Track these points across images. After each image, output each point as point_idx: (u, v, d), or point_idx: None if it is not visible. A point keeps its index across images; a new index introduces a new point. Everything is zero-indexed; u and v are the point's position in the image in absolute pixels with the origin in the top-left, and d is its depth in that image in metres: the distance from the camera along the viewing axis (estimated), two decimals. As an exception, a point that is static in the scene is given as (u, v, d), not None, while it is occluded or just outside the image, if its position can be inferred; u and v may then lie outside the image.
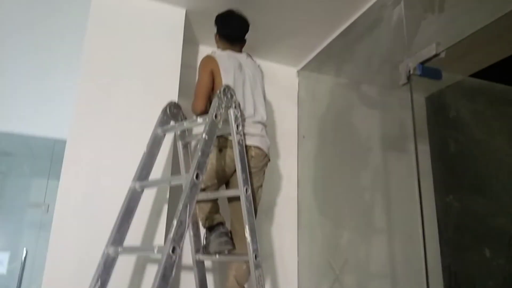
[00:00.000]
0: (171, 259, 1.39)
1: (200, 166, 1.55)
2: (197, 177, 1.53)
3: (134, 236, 1.76)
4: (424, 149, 2.73)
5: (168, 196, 1.91)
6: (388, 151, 2.76)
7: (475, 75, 2.23)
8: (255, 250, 1.71)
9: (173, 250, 1.40)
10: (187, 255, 1.99)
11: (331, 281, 2.33)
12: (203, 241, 1.90)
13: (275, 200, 2.48)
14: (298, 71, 2.76)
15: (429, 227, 2.17)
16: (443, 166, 1.92)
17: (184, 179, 1.55)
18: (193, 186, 1.51)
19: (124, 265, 1.74)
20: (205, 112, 1.83)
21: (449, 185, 1.83)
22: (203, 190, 1.83)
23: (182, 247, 1.42)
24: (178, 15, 2.20)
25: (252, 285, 1.74)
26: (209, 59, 1.95)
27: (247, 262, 1.74)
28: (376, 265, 2.44)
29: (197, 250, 1.89)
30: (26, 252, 3.65)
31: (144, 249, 1.75)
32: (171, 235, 1.42)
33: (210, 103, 1.75)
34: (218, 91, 1.72)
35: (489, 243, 1.79)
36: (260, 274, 1.73)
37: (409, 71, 1.95)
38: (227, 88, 1.75)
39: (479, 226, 1.82)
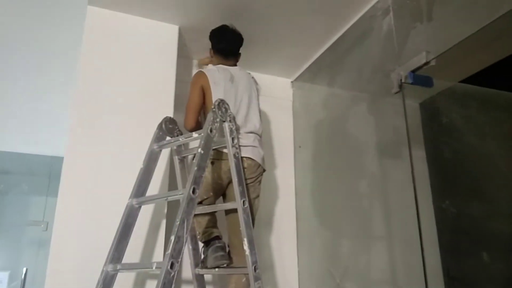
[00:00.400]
0: (170, 275, 1.39)
1: (197, 181, 1.56)
2: (193, 191, 1.54)
3: (133, 252, 1.76)
4: (420, 154, 2.75)
5: (166, 211, 1.92)
6: (384, 158, 2.77)
7: (466, 81, 2.26)
8: (254, 262, 1.72)
9: (172, 265, 1.41)
10: (187, 269, 1.99)
11: (332, 290, 2.33)
12: (201, 254, 1.90)
13: (274, 210, 2.49)
14: (292, 82, 2.79)
15: (428, 232, 2.19)
16: (439, 172, 1.94)
17: (181, 195, 1.56)
18: (190, 201, 1.52)
19: (124, 281, 1.74)
20: (195, 127, 1.86)
21: (445, 190, 1.85)
22: (200, 203, 1.84)
23: (180, 262, 1.43)
24: (171, 31, 2.24)
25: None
26: (199, 74, 1.99)
27: (246, 274, 1.74)
28: (376, 272, 2.44)
29: (196, 264, 1.90)
30: (26, 270, 3.64)
31: (142, 266, 1.76)
32: (169, 251, 1.43)
33: (205, 118, 1.77)
34: (212, 106, 1.74)
35: (486, 247, 1.80)
36: (260, 286, 1.73)
37: (401, 79, 1.98)
38: (222, 102, 1.77)
39: (476, 230, 1.84)
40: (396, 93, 1.99)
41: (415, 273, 1.87)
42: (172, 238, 1.44)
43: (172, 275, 1.40)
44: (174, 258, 1.42)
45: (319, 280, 2.40)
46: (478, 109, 2.11)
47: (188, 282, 2.04)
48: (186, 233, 1.49)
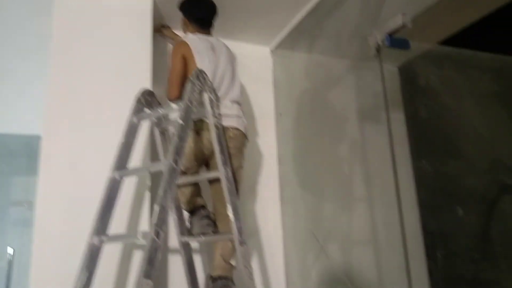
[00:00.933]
0: (155, 244, 1.42)
1: (178, 152, 1.57)
2: (175, 162, 1.55)
3: (118, 225, 1.77)
4: (399, 118, 2.80)
5: (149, 183, 1.93)
6: (365, 123, 2.82)
7: (443, 42, 2.28)
8: (239, 228, 1.76)
9: (157, 234, 1.43)
10: (173, 238, 2.03)
11: (316, 252, 2.41)
12: (187, 224, 1.93)
13: (257, 178, 2.52)
14: (271, 51, 2.77)
15: (407, 192, 2.26)
16: (417, 133, 1.99)
17: (163, 165, 1.57)
18: (172, 171, 1.53)
19: (111, 254, 1.76)
20: (180, 98, 1.84)
21: (423, 150, 1.91)
22: (183, 173, 1.85)
23: (166, 231, 1.46)
24: (145, 2, 2.17)
25: (239, 262, 1.80)
26: (180, 44, 1.95)
27: (232, 240, 1.78)
28: (357, 233, 2.53)
29: (182, 233, 1.93)
30: (14, 250, 3.64)
31: (128, 236, 1.78)
32: (154, 220, 1.45)
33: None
34: (190, 76, 1.73)
35: (461, 202, 1.88)
36: (246, 251, 1.78)
37: (378, 42, 1.99)
38: (200, 72, 1.76)
39: (452, 187, 1.91)
40: (374, 56, 2.00)
41: (394, 232, 1.95)
42: (156, 207, 1.46)
43: (158, 243, 1.42)
44: (159, 227, 1.44)
45: (303, 243, 2.47)
46: (455, 70, 2.14)
47: (175, 251, 2.08)
48: (170, 202, 1.51)
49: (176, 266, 2.08)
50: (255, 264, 2.36)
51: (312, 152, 2.66)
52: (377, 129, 2.53)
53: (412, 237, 2.06)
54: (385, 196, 2.20)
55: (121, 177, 1.71)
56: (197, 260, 2.14)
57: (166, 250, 2.15)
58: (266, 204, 2.51)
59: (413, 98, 2.23)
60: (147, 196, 1.92)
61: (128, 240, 1.80)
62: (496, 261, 1.91)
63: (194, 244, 2.11)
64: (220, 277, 1.84)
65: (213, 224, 1.87)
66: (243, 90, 2.28)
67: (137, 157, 1.90)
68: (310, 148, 2.66)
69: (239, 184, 1.91)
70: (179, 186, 1.90)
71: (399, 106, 2.73)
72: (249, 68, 2.56)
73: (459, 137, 1.96)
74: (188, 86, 1.70)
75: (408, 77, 2.60)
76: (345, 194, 2.64)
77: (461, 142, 1.96)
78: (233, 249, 1.83)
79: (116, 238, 1.69)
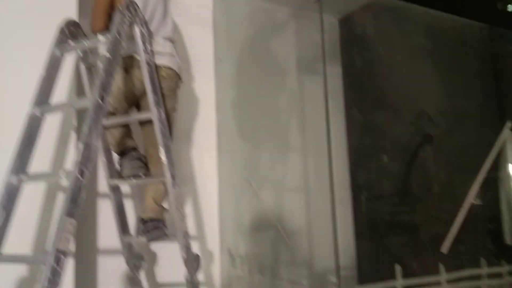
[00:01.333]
0: (80, 183, 1.35)
1: (105, 87, 1.47)
2: (101, 98, 1.45)
3: (41, 165, 1.67)
4: (337, 70, 2.85)
5: (75, 122, 1.81)
6: (303, 73, 2.84)
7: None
8: (172, 171, 1.73)
9: (81, 173, 1.36)
10: (103, 183, 1.95)
11: (250, 198, 2.46)
12: (117, 166, 1.86)
13: (193, 124, 2.47)
14: (212, -9, 2.63)
15: (339, 142, 2.34)
16: (351, 83, 2.03)
17: (88, 101, 1.47)
18: (98, 108, 1.44)
19: (33, 196, 1.67)
20: (106, 30, 1.70)
21: (355, 99, 1.96)
22: (112, 114, 1.76)
23: (91, 172, 1.39)
24: None
25: (171, 204, 1.78)
26: None
27: (164, 182, 1.75)
28: (291, 181, 2.61)
29: (111, 176, 1.86)
30: None
31: (50, 175, 1.68)
32: (78, 158, 1.37)
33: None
34: (119, 6, 1.59)
35: (386, 150, 1.99)
36: (178, 193, 1.76)
37: (318, -12, 1.96)
38: (130, 2, 1.62)
39: (379, 136, 2.01)
40: (315, 1, 1.97)
41: (324, 179, 2.03)
42: (81, 145, 1.38)
43: (82, 183, 1.36)
44: (84, 165, 1.37)
45: (238, 189, 2.51)
46: (391, 23, 2.19)
47: (104, 195, 2.01)
48: (96, 141, 1.43)
49: (105, 211, 2.02)
50: (189, 210, 2.36)
51: (251, 101, 2.64)
52: (315, 80, 2.56)
53: (340, 184, 2.16)
54: (318, 145, 2.27)
55: (43, 114, 1.58)
56: (128, 205, 2.09)
57: (95, 194, 2.07)
58: (202, 151, 2.48)
59: (350, 49, 2.26)
60: (73, 136, 1.81)
61: (50, 179, 1.70)
62: (413, 206, 2.08)
63: (124, 188, 2.05)
64: (152, 219, 1.82)
65: (145, 166, 1.81)
66: (178, 31, 2.16)
67: (61, 94, 1.76)
68: (249, 96, 2.64)
69: (172, 127, 1.86)
70: (108, 128, 1.81)
71: (337, 58, 2.76)
72: (187, 7, 2.42)
73: (389, 88, 2.04)
74: (117, 17, 1.57)
75: (348, 29, 2.62)
76: (281, 143, 2.69)
77: (391, 93, 2.05)
78: (165, 191, 1.80)
79: (37, 177, 1.59)
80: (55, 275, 1.25)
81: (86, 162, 1.38)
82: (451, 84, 2.25)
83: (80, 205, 1.34)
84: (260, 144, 2.60)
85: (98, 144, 1.48)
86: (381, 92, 2.05)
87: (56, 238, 1.28)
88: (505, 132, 2.44)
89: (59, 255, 1.27)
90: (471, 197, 2.29)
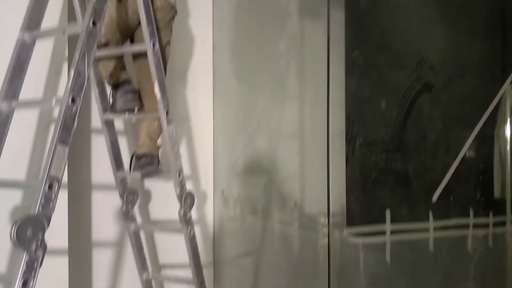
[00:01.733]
0: (71, 110, 1.33)
1: (97, 12, 1.41)
2: (93, 24, 1.39)
3: (33, 93, 1.63)
4: (339, 15, 2.75)
5: (66, 52, 1.75)
6: (305, 18, 2.74)
7: None
8: (166, 106, 1.71)
9: (73, 100, 1.33)
10: (96, 118, 1.93)
11: (244, 141, 2.46)
12: (109, 100, 1.83)
13: (189, 64, 2.41)
14: None
15: (338, 89, 2.30)
16: (354, 24, 1.96)
17: (80, 27, 1.41)
18: (90, 34, 1.39)
19: (25, 126, 1.65)
20: None
21: (357, 41, 1.90)
22: (105, 45, 1.70)
23: (81, 99, 1.35)
24: None
25: (165, 141, 1.77)
26: None
27: (158, 118, 1.73)
28: (286, 128, 2.59)
29: (104, 109, 1.83)
30: None
31: (41, 102, 1.65)
32: (69, 85, 1.34)
33: None
34: None
35: (385, 95, 1.96)
36: (173, 130, 1.75)
37: None
38: None
39: (379, 80, 1.97)
40: None
41: (321, 128, 2.00)
42: (72, 72, 1.34)
43: (73, 111, 1.33)
44: (75, 93, 1.34)
45: (233, 133, 2.50)
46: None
47: (97, 131, 1.99)
48: (88, 68, 1.39)
49: (99, 147, 2.01)
50: (183, 151, 2.36)
51: (249, 43, 2.56)
52: (317, 25, 2.47)
53: (336, 132, 2.14)
54: (317, 92, 2.23)
55: (32, 39, 1.52)
56: (122, 142, 2.08)
57: (89, 130, 2.05)
58: (198, 92, 2.45)
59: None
60: (64, 67, 1.76)
61: (41, 106, 1.67)
62: (406, 153, 2.08)
63: (118, 124, 2.03)
64: (146, 155, 1.82)
65: (139, 100, 1.78)
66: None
67: (53, 20, 1.69)
68: (248, 38, 2.56)
69: (166, 62, 1.81)
70: (101, 59, 1.76)
71: (341, 2, 2.66)
72: None
73: (393, 32, 1.98)
74: None
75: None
76: (279, 88, 2.65)
77: (394, 37, 1.99)
78: (159, 128, 1.78)
79: (28, 104, 1.56)
80: (48, 201, 1.26)
81: (78, 90, 1.35)
82: (456, 32, 2.18)
83: (72, 133, 1.32)
84: (257, 88, 2.55)
85: (90, 73, 1.44)
86: (384, 37, 1.99)
87: (48, 164, 1.27)
88: (506, 86, 2.41)
89: (52, 181, 1.27)
90: (465, 149, 2.29)
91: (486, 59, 2.35)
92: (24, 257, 1.19)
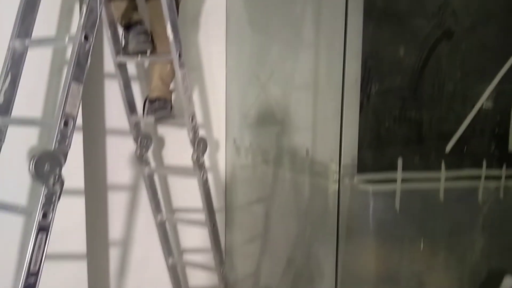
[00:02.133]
0: (84, 47, 1.32)
1: None
2: (104, -42, 1.35)
3: (44, 33, 1.62)
4: None
5: None
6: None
7: None
8: (179, 48, 1.68)
9: (86, 37, 1.32)
10: (108, 61, 1.92)
11: (257, 90, 2.43)
12: (122, 42, 1.81)
13: (201, 9, 2.35)
14: None
15: (356, 39, 2.23)
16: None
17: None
18: (102, -31, 1.35)
19: (40, 65, 1.66)
20: None
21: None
22: (117, -15, 1.66)
23: (94, 37, 1.34)
24: None
25: (178, 84, 1.76)
26: None
27: (171, 61, 1.71)
28: (300, 78, 2.55)
29: (117, 52, 1.81)
30: None
31: (54, 40, 1.64)
32: (81, 22, 1.32)
33: None
34: None
35: (404, 42, 1.90)
36: (185, 74, 1.73)
37: None
38: None
39: (399, 26, 1.90)
40: None
41: (336, 80, 1.96)
42: (84, 8, 1.32)
43: (86, 47, 1.32)
44: (88, 30, 1.32)
45: (246, 81, 2.47)
46: None
47: (110, 75, 1.99)
48: (100, 5, 1.36)
49: (112, 91, 2.02)
50: (196, 98, 2.36)
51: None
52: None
53: (351, 81, 2.10)
54: (333, 40, 2.17)
55: (43, -24, 1.49)
56: (135, 87, 2.08)
57: (101, 74, 2.05)
58: (210, 39, 2.40)
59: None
60: (77, 7, 1.73)
61: (54, 43, 1.67)
62: (422, 102, 2.04)
63: (131, 69, 2.02)
64: (159, 99, 1.82)
65: (151, 42, 1.76)
66: None
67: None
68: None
69: (179, 2, 1.76)
70: (113, 0, 1.72)
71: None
72: None
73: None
74: None
75: None
76: (293, 37, 2.58)
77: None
78: (172, 71, 1.77)
79: (41, 42, 1.55)
80: (64, 137, 1.28)
81: (91, 27, 1.33)
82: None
83: (85, 71, 1.32)
84: (271, 36, 2.49)
85: (102, 12, 1.41)
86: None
87: (63, 102, 1.28)
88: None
89: (67, 118, 1.28)
90: (483, 101, 2.24)
91: (510, 8, 2.24)
92: (43, 190, 1.23)
